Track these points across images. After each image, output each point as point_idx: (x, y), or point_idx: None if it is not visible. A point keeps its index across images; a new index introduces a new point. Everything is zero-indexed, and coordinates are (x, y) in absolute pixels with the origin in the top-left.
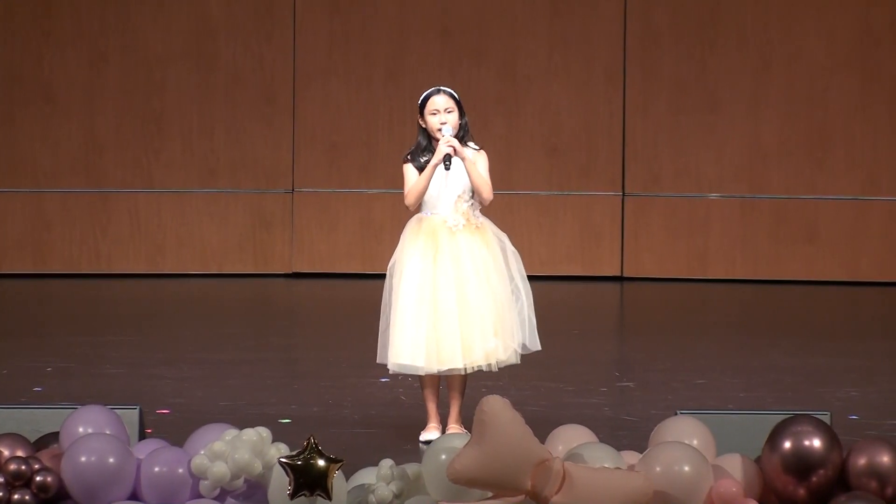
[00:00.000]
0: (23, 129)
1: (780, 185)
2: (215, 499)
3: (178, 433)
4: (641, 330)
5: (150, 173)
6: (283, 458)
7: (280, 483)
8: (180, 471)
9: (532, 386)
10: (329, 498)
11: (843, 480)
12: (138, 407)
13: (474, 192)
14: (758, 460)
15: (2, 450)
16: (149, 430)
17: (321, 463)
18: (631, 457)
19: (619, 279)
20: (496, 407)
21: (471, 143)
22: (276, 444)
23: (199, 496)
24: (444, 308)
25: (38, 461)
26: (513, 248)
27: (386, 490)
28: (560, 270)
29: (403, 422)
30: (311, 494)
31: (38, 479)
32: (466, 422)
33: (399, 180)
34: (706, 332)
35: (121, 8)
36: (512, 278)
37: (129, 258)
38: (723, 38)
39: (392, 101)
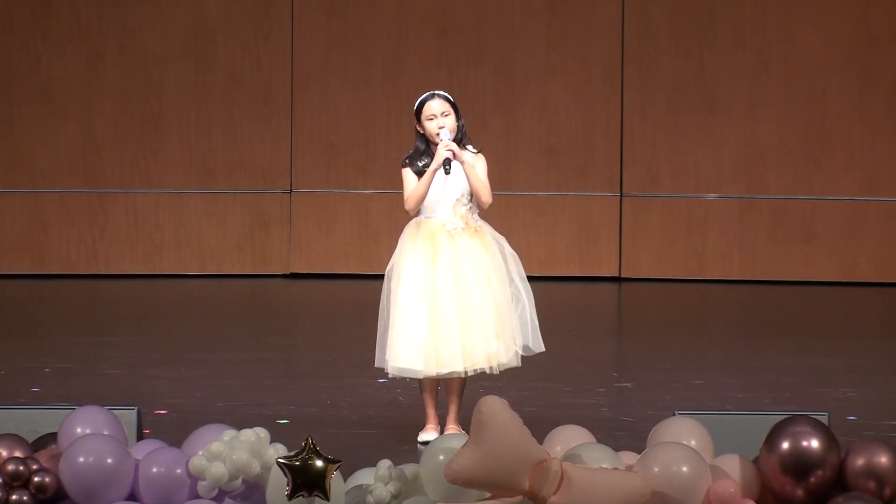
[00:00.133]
0: (21, 130)
1: (778, 186)
2: (213, 499)
3: (176, 434)
4: (639, 330)
5: (147, 173)
6: (281, 458)
7: (278, 483)
8: (178, 471)
9: (530, 386)
10: (327, 498)
11: (840, 481)
12: (136, 407)
13: (473, 196)
14: (756, 461)
15: (0, 450)
16: (147, 431)
17: (319, 463)
18: (629, 457)
19: (616, 280)
20: (494, 407)
21: (469, 147)
22: (274, 444)
23: (197, 497)
24: (443, 311)
25: (37, 462)
26: (512, 251)
27: (384, 490)
28: (558, 271)
29: (401, 422)
30: (309, 495)
31: (36, 479)
32: (464, 422)
33: (397, 181)
34: (704, 333)
35: (119, 8)
36: (512, 281)
37: (126, 258)
38: (721, 38)
39: (390, 101)
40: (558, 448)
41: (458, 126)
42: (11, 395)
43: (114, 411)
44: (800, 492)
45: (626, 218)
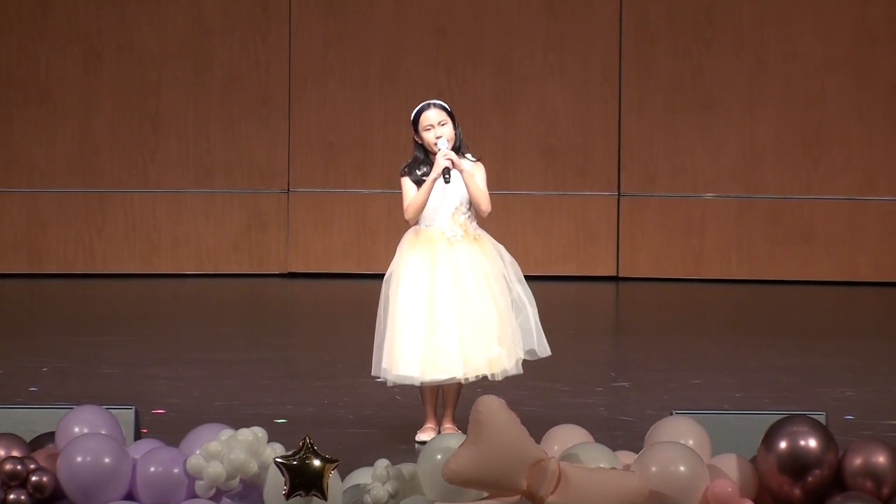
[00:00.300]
0: (19, 129)
1: (776, 185)
2: (211, 499)
3: (173, 433)
4: (637, 330)
5: (145, 173)
6: (278, 458)
7: (276, 483)
8: (176, 471)
9: (528, 386)
10: (325, 498)
11: (838, 481)
12: (134, 407)
13: (472, 204)
14: (753, 460)
15: None
16: (144, 430)
17: (317, 463)
18: (626, 457)
19: (614, 279)
20: (492, 407)
21: (468, 155)
22: (271, 444)
23: (195, 496)
24: (442, 316)
25: (34, 461)
26: (511, 258)
27: (381, 490)
28: (556, 270)
29: (399, 422)
30: (307, 494)
31: (33, 479)
32: (462, 422)
33: (395, 181)
34: (702, 333)
35: (117, 8)
36: (512, 288)
37: (124, 258)
38: (719, 37)
39: (388, 101)
40: (556, 448)
41: (455, 134)
42: (9, 395)
43: (111, 411)
44: (797, 491)
45: (624, 217)
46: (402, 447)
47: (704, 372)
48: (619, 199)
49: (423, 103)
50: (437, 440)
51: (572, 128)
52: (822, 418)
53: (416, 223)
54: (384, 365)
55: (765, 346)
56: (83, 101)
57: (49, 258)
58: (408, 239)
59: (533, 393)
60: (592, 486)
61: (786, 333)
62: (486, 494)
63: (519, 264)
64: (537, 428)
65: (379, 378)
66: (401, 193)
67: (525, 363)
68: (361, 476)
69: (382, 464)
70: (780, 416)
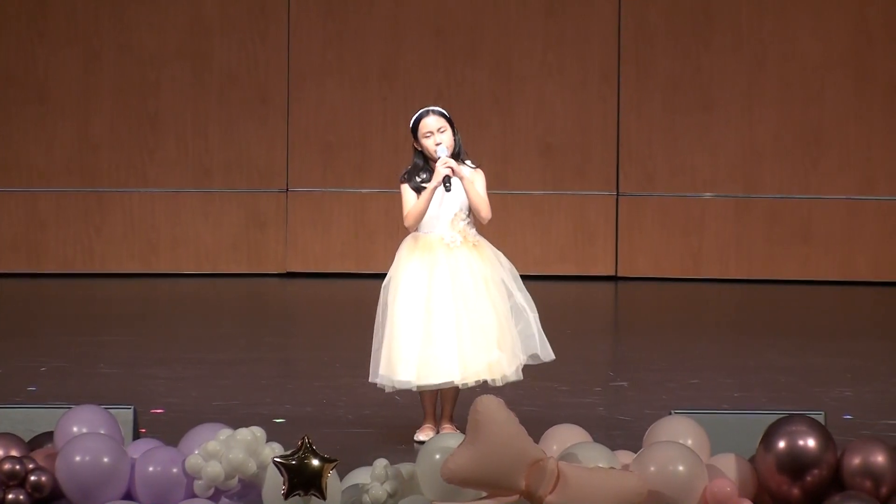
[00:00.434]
0: (17, 129)
1: (775, 185)
2: (209, 498)
3: (172, 433)
4: (636, 329)
5: (144, 173)
6: (277, 457)
7: (274, 483)
8: (174, 470)
9: (526, 386)
10: (323, 497)
11: (837, 480)
12: (132, 407)
13: (471, 211)
14: (752, 460)
15: None
16: (143, 430)
17: (315, 462)
18: (625, 456)
19: (613, 279)
20: (490, 407)
21: (467, 162)
22: (270, 443)
23: (194, 496)
24: (440, 321)
25: (33, 461)
26: (510, 265)
27: (380, 490)
28: (554, 270)
29: (398, 422)
30: (306, 494)
31: (32, 478)
32: (461, 422)
33: (393, 181)
34: (700, 332)
35: (115, 7)
36: (511, 294)
37: (123, 258)
38: (717, 37)
39: (386, 100)
40: (554, 447)
41: (455, 140)
42: (8, 395)
43: (110, 410)
44: (796, 491)
45: (623, 217)
46: (401, 447)
47: (703, 372)
48: (617, 199)
49: (421, 110)
50: (435, 440)
51: (571, 127)
52: (820, 418)
53: (416, 230)
54: (382, 371)
55: (763, 345)
56: (82, 100)
57: (48, 258)
58: (407, 245)
59: (531, 393)
60: (591, 486)
61: (784, 333)
62: (484, 494)
63: (518, 264)
64: (536, 428)
65: (377, 384)
66: (400, 198)
67: (524, 364)
68: (360, 476)
69: (381, 463)
70: (778, 416)
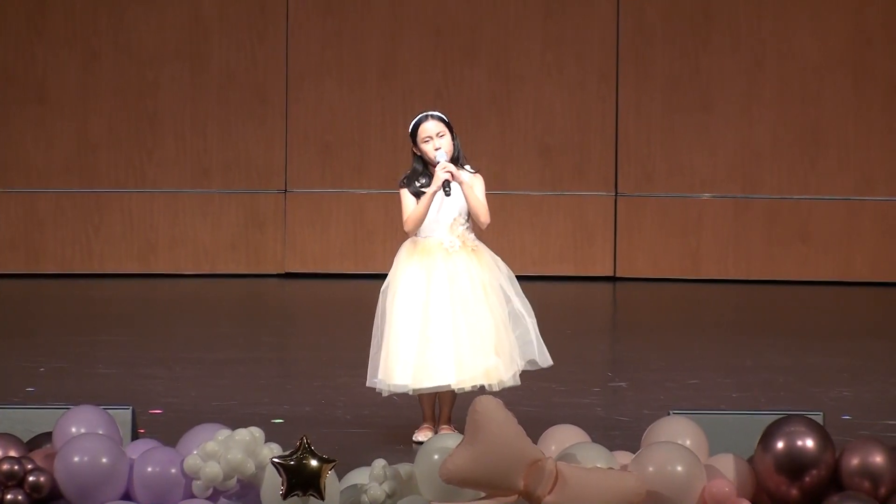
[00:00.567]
0: (16, 129)
1: (773, 185)
2: (208, 499)
3: (170, 433)
4: (634, 330)
5: (142, 173)
6: (275, 458)
7: (273, 483)
8: (173, 471)
9: (524, 386)
10: (322, 498)
11: (835, 480)
12: (131, 407)
13: (470, 216)
14: (750, 460)
15: None
16: (141, 430)
17: (314, 463)
18: (624, 457)
19: (611, 279)
20: (489, 407)
21: (467, 167)
22: (268, 444)
23: (192, 496)
24: (437, 325)
25: (31, 461)
26: (508, 270)
27: (378, 490)
28: (553, 270)
29: (396, 422)
30: (304, 494)
31: (30, 479)
32: (459, 422)
33: (392, 181)
34: (699, 333)
35: (114, 7)
36: (509, 300)
37: (121, 258)
38: (716, 37)
39: (385, 101)
40: (553, 448)
41: (454, 145)
42: (6, 395)
43: (109, 411)
44: (794, 491)
45: (621, 217)
46: (400, 447)
47: (702, 372)
48: (616, 199)
49: (420, 115)
50: (434, 440)
51: (569, 127)
52: (819, 418)
53: (415, 234)
54: (379, 376)
55: (762, 345)
56: (80, 100)
57: (46, 258)
58: (405, 249)
59: (530, 393)
60: (589, 486)
61: (783, 333)
62: (483, 494)
63: (516, 264)
64: (534, 428)
65: (375, 388)
66: (399, 202)
67: (522, 370)
68: (359, 476)
69: (380, 464)
70: (777, 416)
